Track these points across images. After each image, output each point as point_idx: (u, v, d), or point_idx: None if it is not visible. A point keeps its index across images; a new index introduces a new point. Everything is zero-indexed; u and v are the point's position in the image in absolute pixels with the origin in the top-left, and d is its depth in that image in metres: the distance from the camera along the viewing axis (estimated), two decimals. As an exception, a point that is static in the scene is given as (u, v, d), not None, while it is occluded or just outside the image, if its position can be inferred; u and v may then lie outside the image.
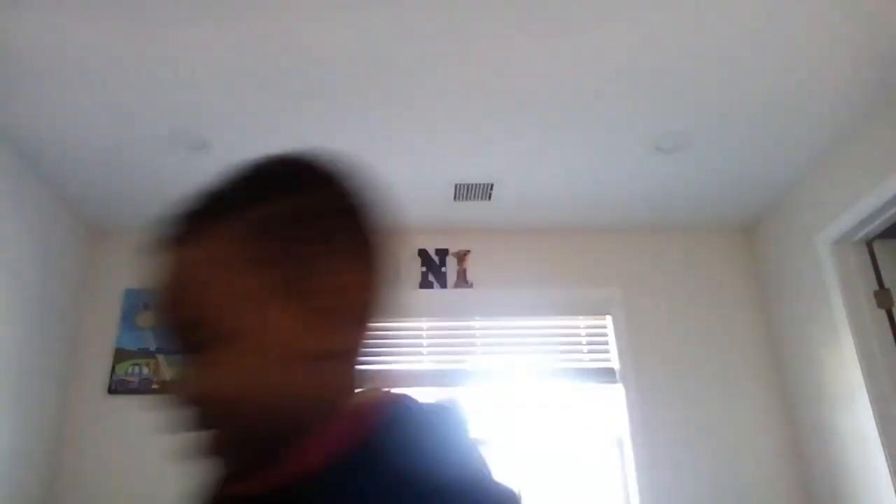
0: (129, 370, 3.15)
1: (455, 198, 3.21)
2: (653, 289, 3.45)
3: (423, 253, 3.47)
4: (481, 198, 3.21)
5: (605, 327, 3.38)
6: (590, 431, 3.22)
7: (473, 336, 3.33)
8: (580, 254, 3.52)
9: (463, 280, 3.42)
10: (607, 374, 3.27)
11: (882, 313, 2.75)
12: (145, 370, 3.14)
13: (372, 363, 3.23)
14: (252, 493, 0.56)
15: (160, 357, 3.17)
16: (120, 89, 2.40)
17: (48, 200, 2.99)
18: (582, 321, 3.39)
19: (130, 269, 3.39)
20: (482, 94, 2.48)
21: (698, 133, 2.76)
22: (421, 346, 3.30)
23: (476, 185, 3.11)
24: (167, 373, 3.14)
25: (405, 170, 2.97)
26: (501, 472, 0.56)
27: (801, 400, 3.13)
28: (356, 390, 0.61)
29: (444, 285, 3.40)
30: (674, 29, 2.19)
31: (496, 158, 2.91)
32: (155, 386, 3.12)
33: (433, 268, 3.44)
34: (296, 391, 0.56)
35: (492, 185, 3.11)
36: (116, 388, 3.11)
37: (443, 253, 3.47)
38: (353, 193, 0.66)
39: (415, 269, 3.45)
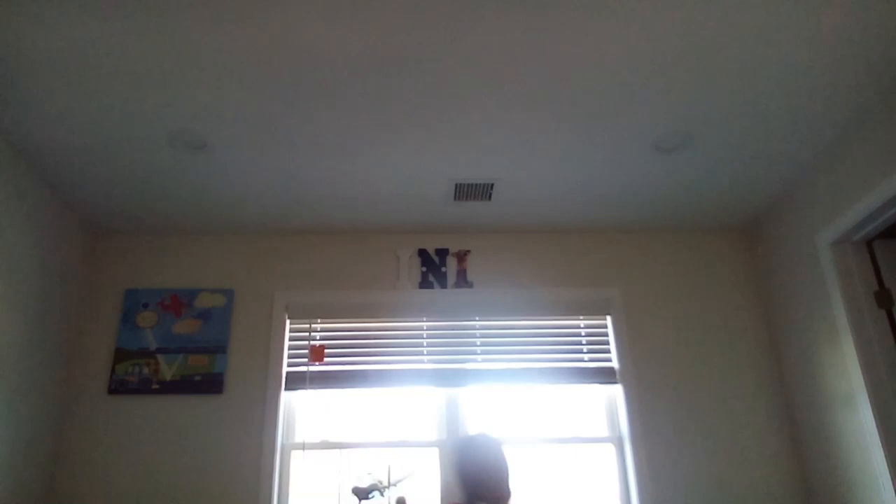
0: (129, 370, 3.15)
1: (455, 198, 3.21)
2: (653, 289, 3.46)
3: (423, 253, 3.47)
4: (481, 198, 3.21)
5: (605, 327, 3.38)
6: (590, 431, 3.22)
7: (473, 336, 3.33)
8: (580, 254, 3.53)
9: (463, 280, 3.42)
10: (607, 374, 3.27)
11: (882, 313, 2.75)
12: (145, 370, 3.14)
13: (372, 363, 3.24)
14: None
15: (160, 357, 3.17)
16: (120, 89, 2.40)
17: (48, 200, 2.99)
18: (582, 321, 3.39)
19: (130, 269, 3.39)
20: (482, 93, 2.48)
21: (698, 133, 2.76)
22: (421, 346, 3.30)
23: (476, 185, 3.11)
24: (167, 373, 3.14)
25: (405, 169, 2.97)
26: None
27: (800, 400, 3.13)
28: None
29: (444, 285, 3.40)
30: (674, 29, 2.19)
31: (496, 158, 2.91)
32: (155, 386, 3.12)
33: (433, 268, 3.44)
34: None
35: (492, 185, 3.11)
36: (116, 388, 3.11)
37: (443, 253, 3.48)
38: None
39: (415, 269, 3.45)
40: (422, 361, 3.27)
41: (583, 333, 3.37)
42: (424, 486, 3.07)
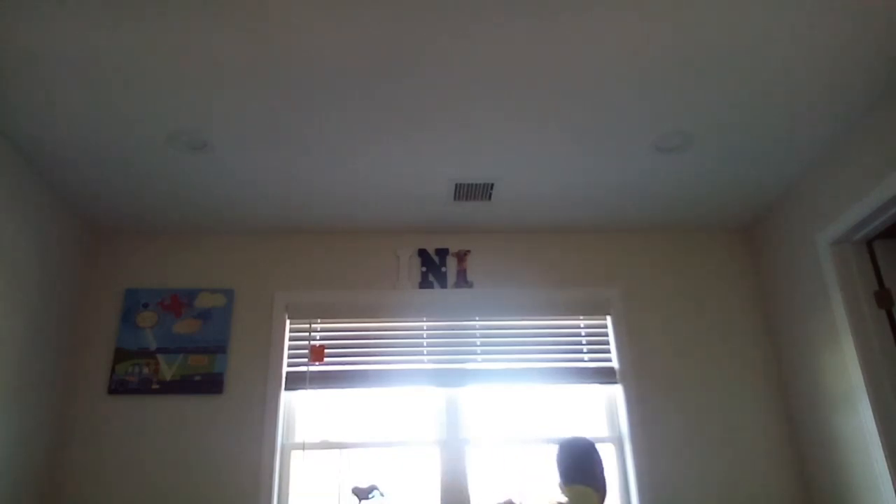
0: (129, 370, 3.15)
1: (455, 198, 3.21)
2: (653, 289, 3.46)
3: (423, 253, 3.47)
4: (481, 198, 3.21)
5: (605, 327, 3.38)
6: (590, 431, 3.22)
7: (473, 336, 3.33)
8: (580, 254, 3.53)
9: (463, 280, 3.42)
10: (607, 374, 3.27)
11: (882, 313, 2.75)
12: (145, 370, 3.14)
13: (372, 363, 3.24)
14: None
15: (160, 357, 3.17)
16: (120, 89, 2.40)
17: (48, 200, 2.99)
18: (582, 321, 3.39)
19: (130, 269, 3.39)
20: (482, 93, 2.48)
21: (698, 133, 2.76)
22: (421, 346, 3.30)
23: (476, 185, 3.11)
24: (167, 373, 3.14)
25: (405, 169, 2.97)
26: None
27: (800, 400, 3.13)
28: None
29: (444, 285, 3.40)
30: (674, 29, 2.19)
31: (496, 158, 2.91)
32: (155, 386, 3.12)
33: (433, 268, 3.44)
34: None
35: (492, 185, 3.11)
36: (116, 388, 3.11)
37: (443, 253, 3.48)
38: None
39: (415, 269, 3.45)
40: (422, 361, 3.26)
41: (583, 333, 3.37)
42: (425, 486, 3.07)
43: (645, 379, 3.26)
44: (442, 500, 3.04)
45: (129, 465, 3.00)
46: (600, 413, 3.27)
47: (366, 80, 2.39)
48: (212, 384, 3.13)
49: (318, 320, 3.33)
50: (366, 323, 3.33)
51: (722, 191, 3.22)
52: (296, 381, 3.21)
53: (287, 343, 3.29)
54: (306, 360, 3.25)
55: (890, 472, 2.55)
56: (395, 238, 3.52)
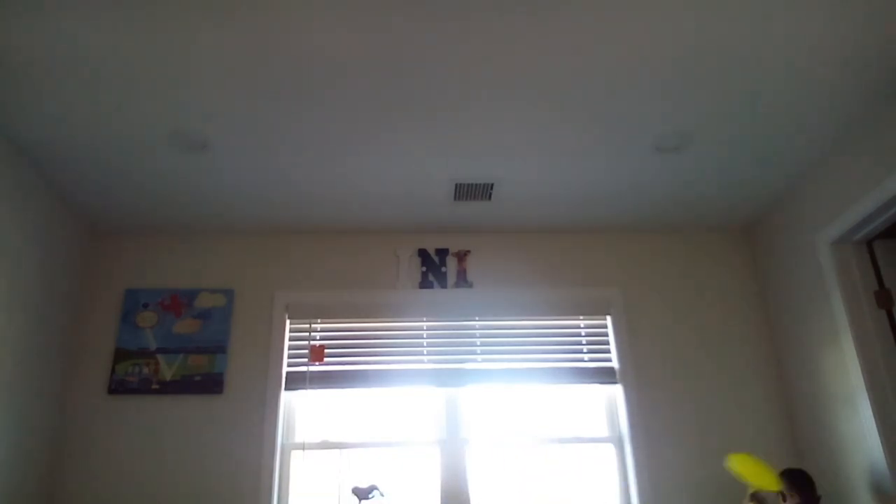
0: (129, 370, 3.15)
1: (455, 198, 3.21)
2: (653, 289, 3.46)
3: (423, 253, 3.47)
4: (481, 198, 3.21)
5: (605, 327, 3.38)
6: (590, 431, 3.22)
7: (473, 336, 3.33)
8: (580, 254, 3.53)
9: (463, 280, 3.42)
10: (607, 374, 3.27)
11: (882, 313, 2.76)
12: (145, 370, 3.15)
13: (372, 363, 3.24)
14: None
15: (160, 357, 3.17)
16: (120, 89, 2.40)
17: (48, 200, 2.99)
18: (582, 321, 3.39)
19: (130, 269, 3.39)
20: (482, 93, 2.48)
21: (698, 133, 2.76)
22: (421, 346, 3.30)
23: (476, 185, 3.11)
24: (167, 373, 3.14)
25: (405, 170, 2.97)
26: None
27: (800, 400, 3.13)
28: None
29: (444, 285, 3.40)
30: (674, 29, 2.19)
31: (496, 158, 2.91)
32: (155, 386, 3.12)
33: (433, 268, 3.44)
34: None
35: (492, 185, 3.11)
36: (116, 388, 3.11)
37: (443, 253, 3.48)
38: None
39: (415, 269, 3.45)
40: (422, 361, 3.26)
41: (583, 333, 3.37)
42: (425, 486, 3.08)
43: (645, 379, 3.26)
44: (442, 500, 3.04)
45: (128, 465, 3.00)
46: (600, 413, 3.27)
47: (366, 80, 2.39)
48: (212, 384, 3.13)
49: (318, 320, 3.33)
50: (366, 323, 3.33)
51: (722, 191, 3.22)
52: (296, 382, 3.21)
53: (287, 343, 3.29)
54: (306, 360, 3.25)
55: (890, 472, 2.55)
56: (395, 238, 3.52)
